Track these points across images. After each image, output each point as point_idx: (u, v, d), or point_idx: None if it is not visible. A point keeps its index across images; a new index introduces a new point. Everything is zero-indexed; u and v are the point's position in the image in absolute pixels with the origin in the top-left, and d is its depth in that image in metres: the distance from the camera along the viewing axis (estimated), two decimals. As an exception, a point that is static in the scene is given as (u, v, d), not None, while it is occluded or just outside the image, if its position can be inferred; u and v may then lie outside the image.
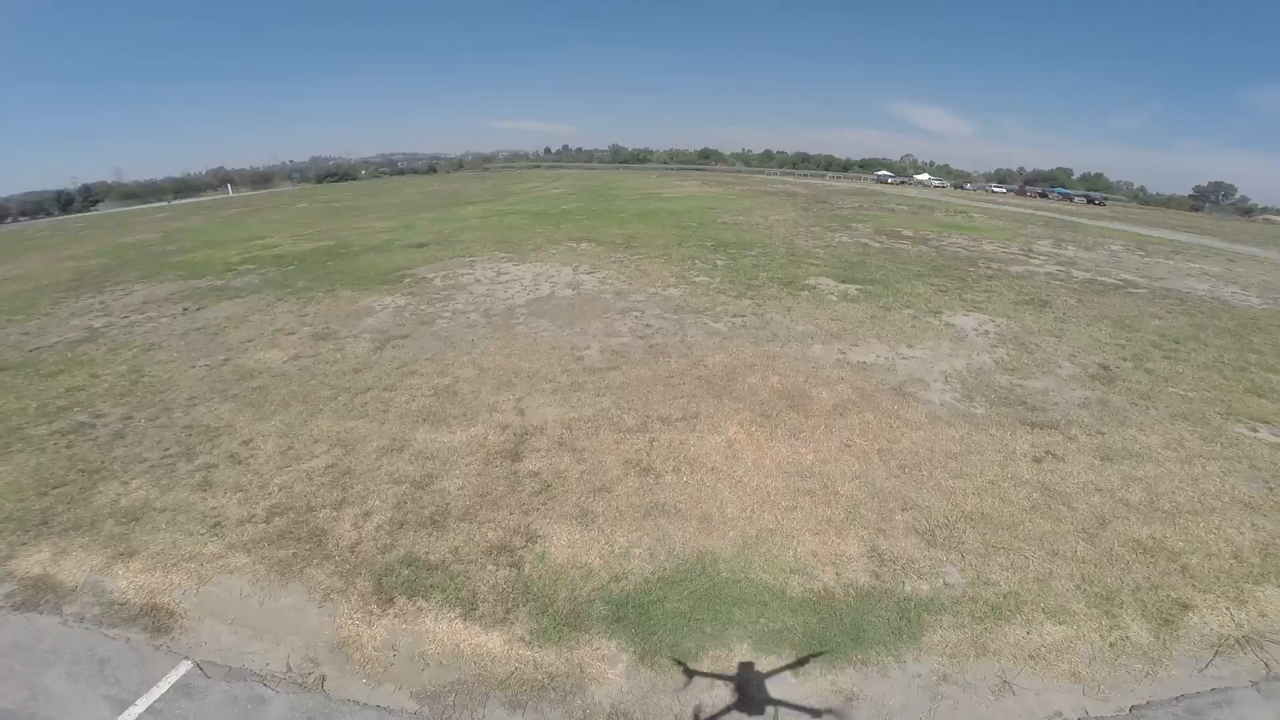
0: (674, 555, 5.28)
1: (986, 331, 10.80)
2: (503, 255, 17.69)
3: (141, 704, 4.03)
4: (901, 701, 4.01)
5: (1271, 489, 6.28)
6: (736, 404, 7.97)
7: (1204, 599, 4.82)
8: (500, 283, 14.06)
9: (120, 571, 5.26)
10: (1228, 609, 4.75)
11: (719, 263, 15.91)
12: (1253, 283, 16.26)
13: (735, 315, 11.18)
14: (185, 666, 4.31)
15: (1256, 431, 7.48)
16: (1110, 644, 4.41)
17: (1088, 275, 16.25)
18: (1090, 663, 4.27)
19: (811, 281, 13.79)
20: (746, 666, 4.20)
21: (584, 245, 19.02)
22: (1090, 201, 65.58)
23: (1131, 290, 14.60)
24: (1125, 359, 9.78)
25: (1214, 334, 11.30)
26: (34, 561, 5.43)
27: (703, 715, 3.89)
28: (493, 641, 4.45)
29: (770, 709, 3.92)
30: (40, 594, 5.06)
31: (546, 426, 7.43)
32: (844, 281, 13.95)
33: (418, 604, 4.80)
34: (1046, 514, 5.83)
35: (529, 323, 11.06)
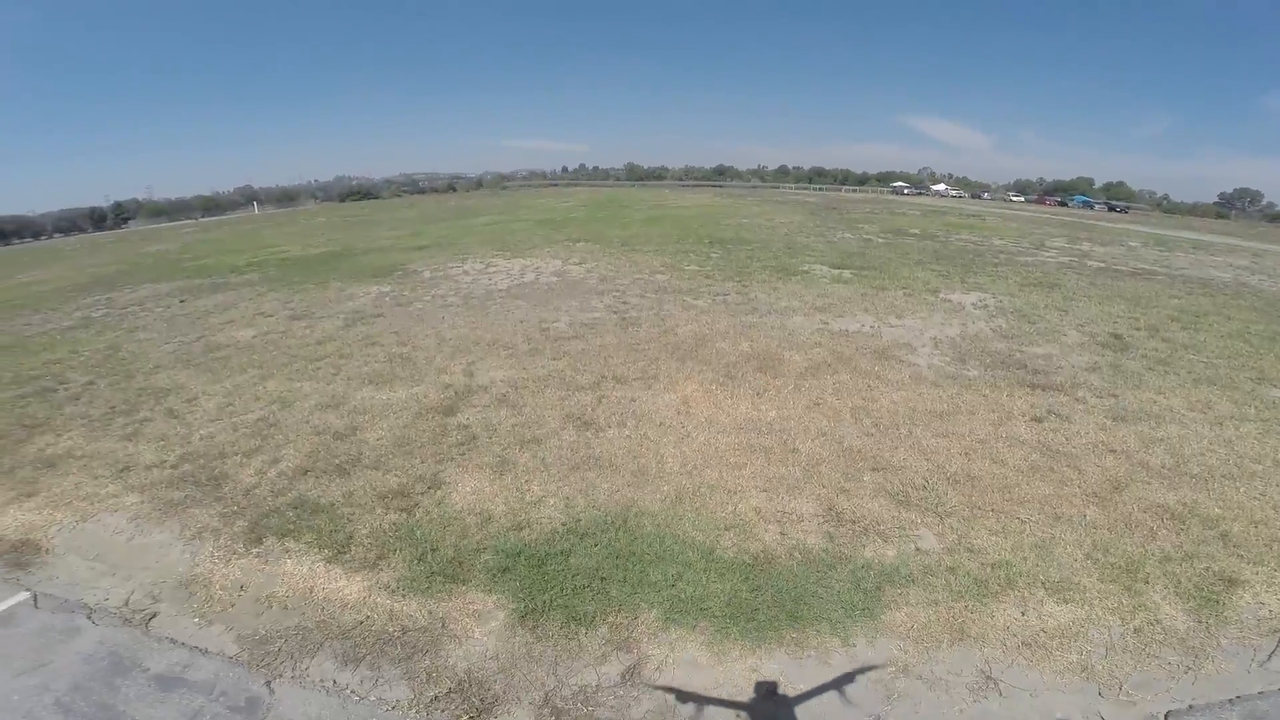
0: (594, 507, 4.58)
1: (986, 305, 9.92)
2: (497, 253, 17.53)
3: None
4: (842, 699, 3.05)
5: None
6: (700, 366, 7.32)
7: (1255, 573, 3.85)
8: (487, 274, 13.79)
9: (12, 511, 4.98)
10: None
11: (713, 255, 15.36)
12: (1286, 272, 14.98)
13: (718, 294, 10.56)
14: (21, 596, 3.99)
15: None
16: (1135, 629, 3.44)
17: (1102, 265, 15.22)
18: (1108, 653, 3.30)
19: (805, 269, 13.11)
20: (650, 637, 3.42)
21: (581, 244, 18.74)
22: (1112, 209, 61.70)
23: (1149, 276, 13.56)
24: (1139, 329, 8.80)
25: (1238, 310, 10.22)
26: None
27: (582, 694, 3.11)
28: (352, 587, 3.82)
29: (668, 697, 3.09)
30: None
31: (492, 385, 6.91)
32: (839, 268, 13.21)
33: (285, 544, 4.25)
34: (1048, 476, 4.91)
35: (505, 303, 10.65)
